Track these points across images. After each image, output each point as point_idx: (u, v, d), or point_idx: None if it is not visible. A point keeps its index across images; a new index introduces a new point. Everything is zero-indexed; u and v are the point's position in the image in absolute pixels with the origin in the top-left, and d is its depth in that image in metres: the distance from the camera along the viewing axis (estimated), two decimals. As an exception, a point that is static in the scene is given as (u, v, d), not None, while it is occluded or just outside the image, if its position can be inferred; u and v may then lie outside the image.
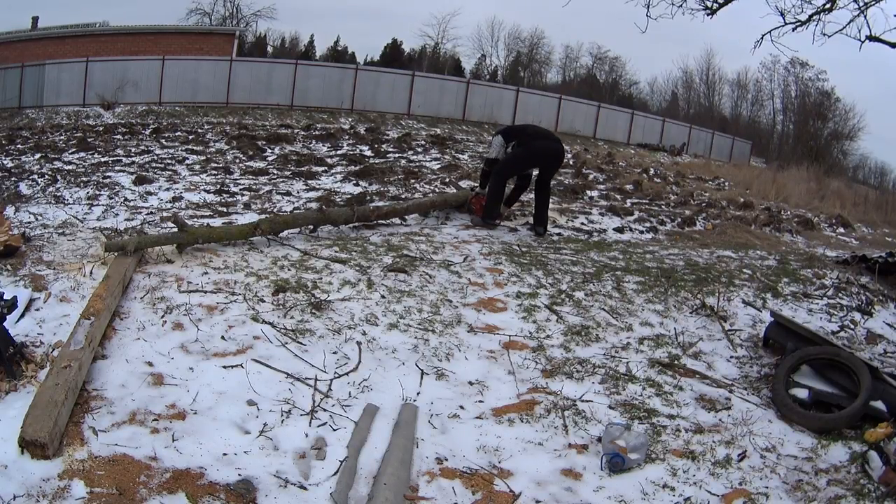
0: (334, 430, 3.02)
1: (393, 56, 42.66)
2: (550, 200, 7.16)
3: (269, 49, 42.22)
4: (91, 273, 4.38)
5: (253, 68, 22.53)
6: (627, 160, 15.78)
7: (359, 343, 3.80)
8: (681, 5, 6.80)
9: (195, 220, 6.21)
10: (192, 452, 2.74)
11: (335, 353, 3.68)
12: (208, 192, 7.90)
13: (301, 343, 3.72)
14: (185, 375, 3.29)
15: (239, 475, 2.65)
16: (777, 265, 6.04)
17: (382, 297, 4.42)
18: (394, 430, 3.08)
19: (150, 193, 7.62)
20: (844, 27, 6.39)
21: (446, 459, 2.96)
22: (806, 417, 3.43)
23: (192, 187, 8.13)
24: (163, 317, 3.85)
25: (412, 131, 18.59)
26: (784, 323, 4.14)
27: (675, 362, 3.97)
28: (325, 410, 3.16)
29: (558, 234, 6.84)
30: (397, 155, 12.44)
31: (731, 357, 4.14)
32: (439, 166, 11.04)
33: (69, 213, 6.26)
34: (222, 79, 21.44)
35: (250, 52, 36.76)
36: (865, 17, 6.23)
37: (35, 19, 23.02)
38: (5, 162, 9.70)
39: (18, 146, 11.68)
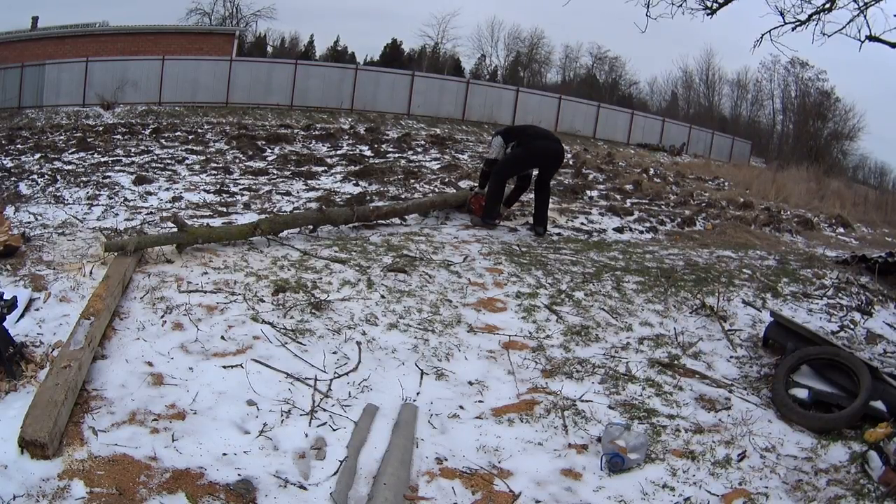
0: (334, 430, 3.02)
1: (393, 56, 42.67)
2: (550, 200, 7.16)
3: (269, 49, 42.24)
4: (91, 273, 4.38)
5: (253, 68, 22.53)
6: (627, 160, 15.78)
7: (358, 343, 3.80)
8: (681, 5, 6.80)
9: (195, 220, 6.21)
10: (192, 452, 2.74)
11: (335, 353, 3.68)
12: (208, 192, 7.90)
13: (301, 343, 3.73)
14: (184, 375, 3.29)
15: (239, 475, 2.65)
16: (777, 265, 6.04)
17: (382, 297, 4.42)
18: (393, 430, 3.08)
19: (149, 193, 7.62)
20: (844, 27, 6.38)
21: (446, 459, 2.96)
22: (806, 417, 3.43)
23: (192, 187, 8.13)
24: (162, 317, 3.85)
25: (412, 131, 18.59)
26: (784, 323, 4.14)
27: (675, 362, 3.97)
28: (324, 410, 3.16)
29: (558, 234, 6.84)
30: (397, 155, 12.44)
31: (731, 357, 4.14)
32: (439, 166, 11.04)
33: (69, 213, 6.26)
34: (222, 79, 21.44)
35: (250, 52, 36.77)
36: (865, 16, 6.23)
37: (35, 19, 23.03)
38: (5, 162, 9.70)
39: (18, 146, 11.68)
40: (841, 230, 9.66)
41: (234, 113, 19.98)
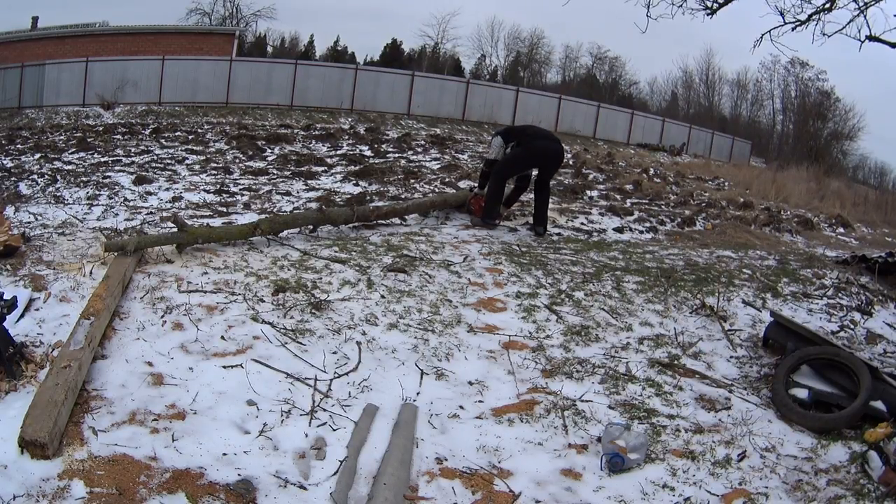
0: (334, 430, 3.03)
1: (393, 56, 42.67)
2: (550, 200, 7.16)
3: (269, 49, 42.25)
4: (91, 273, 4.38)
5: (253, 68, 22.53)
6: (627, 160, 15.78)
7: (358, 343, 3.80)
8: (681, 5, 6.80)
9: (195, 220, 6.21)
10: (192, 452, 2.74)
11: (335, 353, 3.68)
12: (208, 192, 7.90)
13: (301, 343, 3.73)
14: (184, 375, 3.29)
15: (239, 475, 2.65)
16: (777, 265, 6.04)
17: (382, 297, 4.42)
18: (393, 430, 3.08)
19: (149, 193, 7.62)
20: (844, 27, 6.39)
21: (446, 459, 2.96)
22: (806, 417, 3.43)
23: (192, 187, 8.13)
24: (162, 317, 3.85)
25: (412, 131, 18.59)
26: (784, 323, 4.14)
27: (675, 362, 3.97)
28: (324, 410, 3.16)
29: (558, 234, 6.84)
30: (397, 155, 12.44)
31: (731, 357, 4.14)
32: (439, 166, 11.04)
33: (69, 213, 6.26)
34: (222, 79, 21.44)
35: (250, 52, 36.78)
36: (865, 16, 6.23)
37: (35, 19, 23.02)
38: (5, 162, 9.70)
39: (18, 146, 11.68)
40: (841, 230, 9.66)
41: (234, 113, 19.98)
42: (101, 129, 14.98)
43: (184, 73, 21.04)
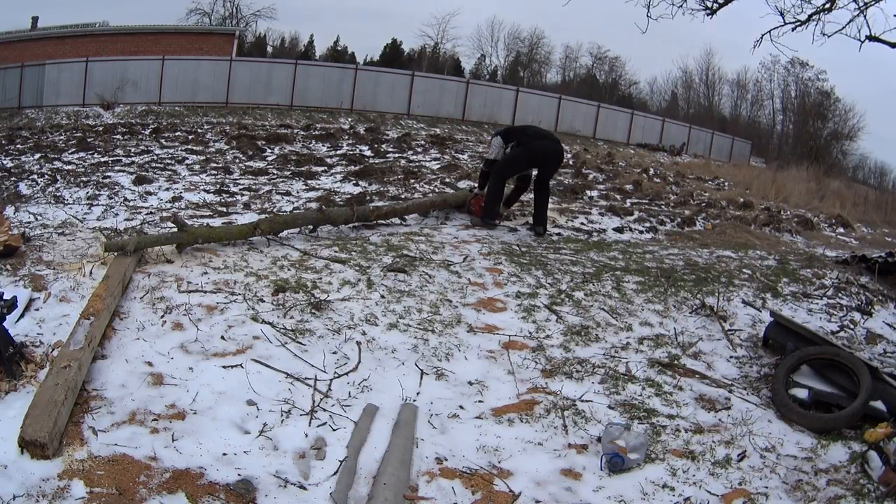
0: (334, 430, 3.03)
1: (393, 56, 42.67)
2: (550, 200, 7.16)
3: (269, 49, 42.25)
4: (91, 273, 4.38)
5: (252, 68, 22.53)
6: (627, 160, 15.78)
7: (358, 343, 3.80)
8: (681, 5, 6.81)
9: (195, 220, 6.21)
10: (192, 452, 2.74)
11: (335, 353, 3.68)
12: (208, 192, 7.90)
13: (301, 343, 3.73)
14: (184, 375, 3.29)
15: (239, 475, 2.65)
16: (777, 265, 6.04)
17: (382, 297, 4.42)
18: (393, 430, 3.08)
19: (149, 193, 7.62)
20: (844, 27, 6.39)
21: (446, 459, 2.96)
22: (806, 417, 3.43)
23: (192, 187, 8.13)
24: (162, 317, 3.85)
25: (412, 131, 18.59)
26: (784, 323, 4.14)
27: (675, 362, 3.97)
28: (324, 410, 3.16)
29: (558, 234, 6.84)
30: (397, 155, 12.44)
31: (731, 357, 4.14)
32: (439, 166, 11.04)
33: (69, 213, 6.26)
34: (222, 79, 21.44)
35: (250, 52, 36.78)
36: (865, 16, 6.24)
37: (35, 19, 23.03)
38: (5, 162, 9.70)
39: (18, 146, 11.68)
40: (841, 230, 9.66)
41: (234, 113, 19.98)
42: (100, 129, 14.98)
43: (184, 73, 21.04)
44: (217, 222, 6.16)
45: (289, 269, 4.72)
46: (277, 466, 2.74)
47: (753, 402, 3.61)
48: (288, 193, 8.06)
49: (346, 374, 3.50)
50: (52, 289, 4.10)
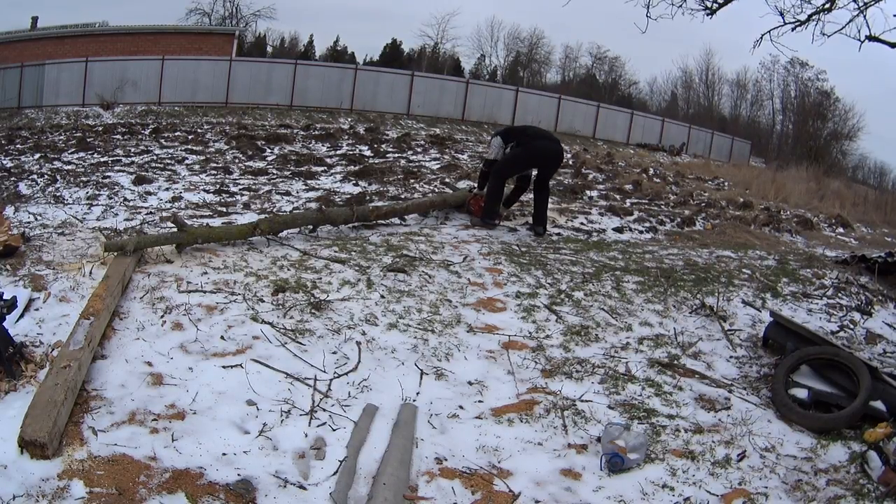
0: (334, 430, 3.03)
1: (392, 56, 42.68)
2: (550, 200, 7.16)
3: (269, 49, 42.25)
4: (90, 273, 4.37)
5: (252, 68, 22.53)
6: (627, 160, 15.78)
7: (358, 343, 3.80)
8: (681, 5, 6.81)
9: (194, 220, 6.21)
10: (192, 452, 2.74)
11: (335, 353, 3.68)
12: (208, 192, 7.90)
13: (300, 343, 3.73)
14: (184, 375, 3.29)
15: (238, 475, 2.65)
16: (776, 265, 6.04)
17: (382, 297, 4.42)
18: (393, 430, 3.08)
19: (149, 193, 7.62)
20: (844, 27, 6.40)
21: (446, 459, 2.96)
22: (805, 417, 3.43)
23: (192, 187, 8.13)
24: (162, 317, 3.85)
25: (412, 131, 18.59)
26: (783, 323, 4.15)
27: (675, 362, 3.97)
28: (324, 410, 3.16)
29: (558, 234, 6.84)
30: (397, 155, 12.44)
31: (731, 357, 4.14)
32: (439, 166, 11.04)
33: (69, 213, 6.26)
34: (222, 79, 21.44)
35: (250, 52, 36.77)
36: (865, 16, 6.24)
37: (34, 19, 23.04)
38: (5, 162, 9.70)
39: (18, 146, 11.68)
40: (840, 230, 9.66)
41: (234, 113, 19.98)
42: (100, 129, 14.98)
43: (183, 73, 21.04)
44: (217, 222, 6.16)
45: (288, 269, 4.72)
46: (277, 466, 2.74)
47: (753, 402, 3.61)
48: (288, 193, 8.06)
49: (346, 374, 3.50)
50: (52, 289, 4.10)
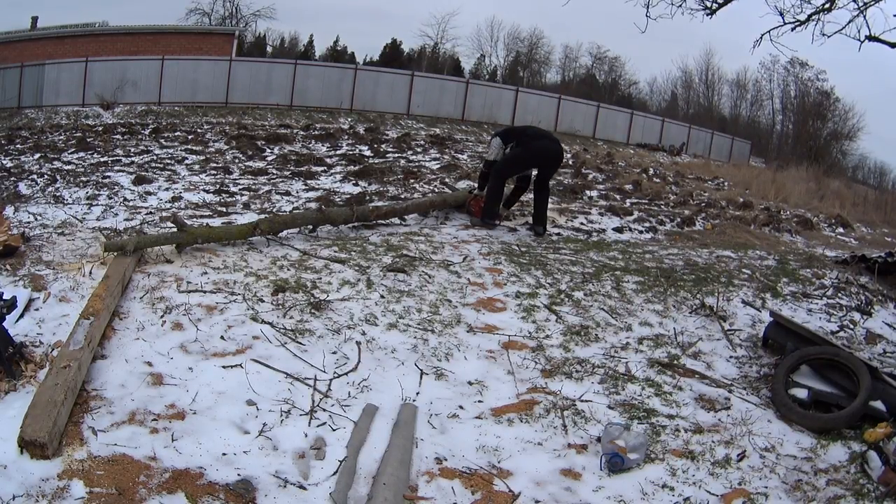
0: (334, 430, 3.03)
1: (392, 56, 42.67)
2: (550, 200, 7.16)
3: (269, 49, 42.24)
4: (90, 273, 4.37)
5: (252, 68, 22.52)
6: (627, 160, 15.78)
7: (358, 343, 3.80)
8: (680, 5, 6.81)
9: (194, 220, 6.21)
10: (192, 452, 2.74)
11: (334, 352, 3.68)
12: (207, 192, 7.90)
13: (300, 343, 3.72)
14: (184, 375, 3.29)
15: (238, 475, 2.65)
16: (776, 265, 6.04)
17: (382, 296, 4.42)
18: (393, 430, 3.08)
19: (149, 193, 7.62)
20: (844, 27, 6.40)
21: (446, 459, 2.96)
22: (805, 417, 3.44)
23: (192, 187, 8.13)
24: (162, 317, 3.85)
25: (411, 131, 18.59)
26: (783, 323, 4.15)
27: (675, 362, 3.97)
28: (324, 410, 3.16)
29: (557, 234, 6.84)
30: (396, 155, 12.44)
31: (731, 357, 4.14)
32: (438, 166, 11.04)
33: (68, 213, 6.26)
34: (221, 79, 21.44)
35: (249, 52, 36.77)
36: (865, 16, 6.24)
37: (34, 19, 23.03)
38: (5, 162, 9.70)
39: (18, 146, 11.68)
40: (840, 230, 9.66)
41: (234, 113, 19.98)
42: (100, 129, 14.98)
43: (183, 73, 21.04)
44: (217, 222, 6.16)
45: (288, 269, 4.72)
46: (277, 466, 2.74)
47: (753, 402, 3.61)
48: (287, 193, 8.06)
49: (346, 374, 3.50)
50: (52, 289, 4.10)
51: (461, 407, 3.38)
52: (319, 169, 10.09)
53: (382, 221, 6.49)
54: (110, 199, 7.19)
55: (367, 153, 12.44)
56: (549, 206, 7.09)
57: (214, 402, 3.10)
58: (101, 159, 10.18)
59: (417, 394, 3.43)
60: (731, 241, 7.29)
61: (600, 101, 30.79)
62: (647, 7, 6.79)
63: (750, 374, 3.96)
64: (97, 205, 6.79)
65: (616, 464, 2.94)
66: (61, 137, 13.04)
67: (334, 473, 2.75)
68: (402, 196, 8.12)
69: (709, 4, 6.87)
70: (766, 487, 2.90)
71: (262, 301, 4.15)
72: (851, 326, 4.72)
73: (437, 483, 2.80)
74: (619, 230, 7.43)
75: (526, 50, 45.38)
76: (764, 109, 40.52)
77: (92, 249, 4.92)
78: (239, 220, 6.28)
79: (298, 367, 3.49)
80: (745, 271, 5.68)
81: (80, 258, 4.70)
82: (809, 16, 6.48)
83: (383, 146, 13.54)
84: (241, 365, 3.41)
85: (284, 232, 5.61)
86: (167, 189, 7.93)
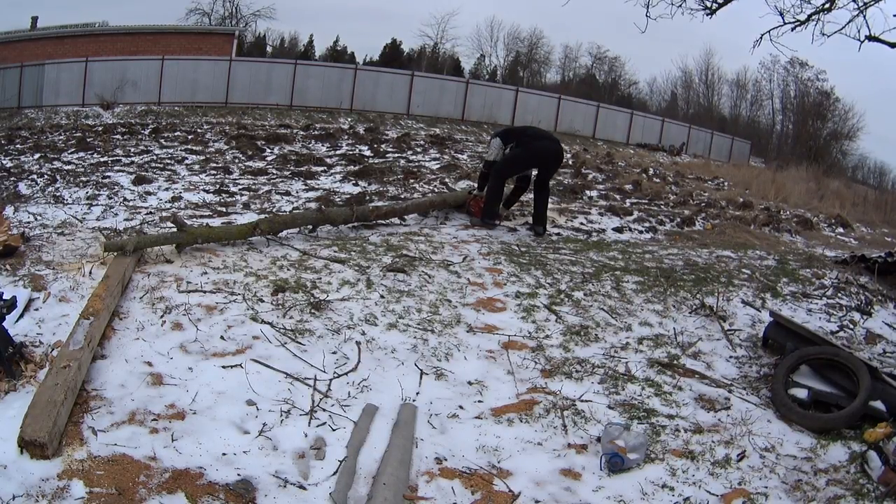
0: (333, 430, 3.03)
1: (392, 56, 42.66)
2: (550, 200, 7.16)
3: (269, 49, 42.23)
4: (90, 273, 4.37)
5: (252, 68, 22.51)
6: (627, 160, 15.78)
7: (358, 343, 3.80)
8: (680, 5, 6.81)
9: (194, 219, 6.21)
10: (192, 452, 2.74)
11: (334, 352, 3.68)
12: (207, 191, 7.90)
13: (300, 343, 3.72)
14: (184, 375, 3.29)
15: (238, 475, 2.65)
16: (776, 265, 6.04)
17: (381, 296, 4.42)
18: (393, 430, 3.08)
19: (149, 193, 7.62)
20: (844, 27, 6.40)
21: (445, 459, 2.96)
22: (805, 417, 3.44)
23: (192, 187, 8.13)
24: (162, 317, 3.85)
25: (411, 131, 18.59)
26: (783, 323, 4.15)
27: (675, 362, 3.97)
28: (324, 410, 3.16)
29: (557, 234, 6.84)
30: (396, 155, 12.44)
31: (731, 357, 4.14)
32: (438, 166, 11.04)
33: (68, 213, 6.25)
34: (221, 79, 21.43)
35: (249, 52, 36.76)
36: (864, 16, 6.25)
37: (34, 19, 23.02)
38: (5, 162, 9.69)
39: (18, 146, 11.68)
40: (840, 230, 9.66)
41: (234, 113, 19.98)
42: (100, 129, 14.97)
43: (183, 73, 21.03)
44: (216, 222, 6.16)
45: (288, 269, 4.72)
46: (277, 466, 2.74)
47: (753, 402, 3.61)
48: (287, 193, 8.06)
49: (346, 374, 3.50)
50: (52, 289, 4.10)
51: (461, 407, 3.38)
52: (319, 169, 10.09)
53: (382, 221, 6.49)
54: (110, 199, 7.19)
55: (367, 153, 12.44)
56: (549, 206, 7.09)
57: (214, 402, 3.10)
58: (101, 159, 10.18)
59: (417, 394, 3.43)
60: (731, 241, 7.29)
61: (600, 101, 30.79)
62: (647, 7, 6.80)
63: (750, 374, 3.96)
64: (97, 205, 6.79)
65: (616, 464, 2.94)
66: (61, 137, 13.04)
67: (334, 473, 2.75)
68: (402, 196, 8.12)
69: (709, 4, 6.87)
70: (766, 487, 2.90)
71: (262, 301, 4.15)
72: (851, 326, 4.73)
73: (437, 483, 2.80)
74: (618, 230, 7.43)
75: (526, 50, 45.41)
76: (764, 109, 40.56)
77: (92, 249, 4.92)
78: (239, 220, 6.28)
79: (298, 367, 3.49)
80: (745, 271, 5.68)
81: (79, 258, 4.70)
82: (809, 16, 6.48)
83: (383, 146, 13.54)
84: (240, 365, 3.41)
85: (284, 232, 5.61)
86: (167, 189, 7.93)
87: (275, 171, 9.69)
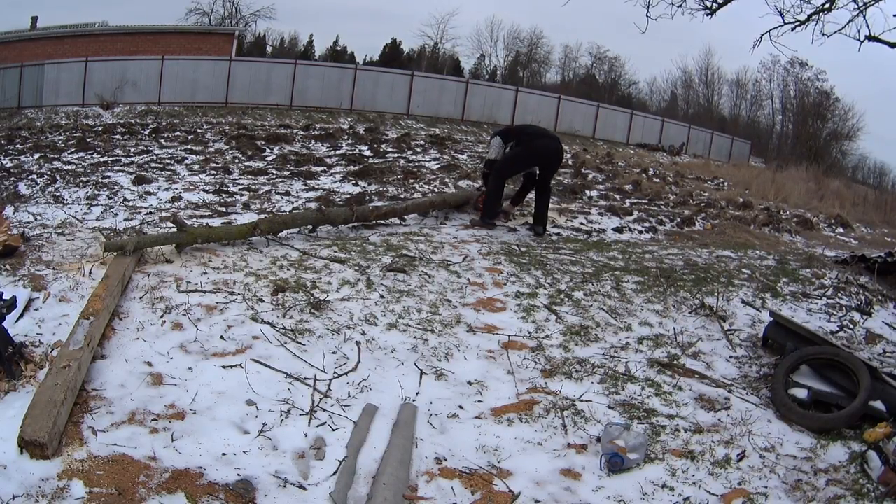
0: (333, 430, 3.02)
1: (392, 56, 42.68)
2: (550, 200, 7.16)
3: (269, 49, 42.25)
4: (90, 273, 4.37)
5: (252, 68, 22.52)
6: (626, 160, 15.78)
7: (358, 343, 3.80)
8: (680, 5, 6.82)
9: (194, 219, 6.21)
10: (192, 452, 2.74)
11: (334, 352, 3.68)
12: (207, 191, 7.89)
13: (300, 343, 3.72)
14: (184, 375, 3.29)
15: (238, 475, 2.65)
16: (776, 265, 6.04)
17: (381, 296, 4.42)
18: (393, 430, 3.08)
19: (149, 193, 7.62)
20: (844, 27, 6.41)
21: (445, 459, 2.96)
22: (805, 417, 3.44)
23: (192, 187, 8.13)
24: (162, 317, 3.85)
25: (411, 131, 18.59)
26: (783, 323, 4.15)
27: (675, 362, 3.97)
28: (324, 410, 3.16)
29: (557, 234, 6.84)
30: (396, 155, 12.44)
31: (731, 357, 4.14)
32: (438, 166, 11.04)
33: (68, 213, 6.25)
34: (221, 79, 21.44)
35: (249, 51, 36.77)
36: (864, 16, 6.25)
37: (34, 19, 23.03)
38: (4, 162, 9.69)
39: (17, 146, 11.67)
40: (840, 230, 9.66)
41: (234, 113, 19.98)
42: (100, 129, 14.97)
43: (183, 73, 21.04)
44: (216, 222, 6.16)
45: (288, 269, 4.72)
46: (277, 466, 2.74)
47: (753, 402, 3.61)
48: (287, 193, 8.06)
49: (346, 373, 3.50)
50: (52, 289, 4.09)
51: (461, 407, 3.38)
52: (319, 169, 10.09)
53: (382, 221, 6.49)
54: (110, 199, 7.19)
55: (367, 153, 12.44)
56: (550, 206, 7.08)
57: (214, 402, 3.10)
58: (101, 159, 10.18)
59: (417, 394, 3.43)
60: (731, 241, 7.29)
61: (600, 101, 30.80)
62: (648, 7, 6.81)
63: (750, 374, 3.96)
64: (97, 205, 6.79)
65: (616, 464, 2.94)
66: (61, 137, 13.03)
67: (334, 473, 2.75)
68: (402, 196, 8.12)
69: (709, 4, 6.87)
70: (766, 487, 2.90)
71: (262, 301, 4.15)
72: (851, 326, 4.73)
73: (437, 483, 2.80)
74: (618, 230, 7.43)
75: (526, 50, 45.42)
76: (764, 109, 40.58)
77: (92, 249, 4.92)
78: (239, 220, 6.28)
79: (298, 367, 3.49)
80: (745, 271, 5.68)
81: (79, 258, 4.70)
82: (809, 16, 6.48)
83: (383, 146, 13.54)
84: (240, 365, 3.41)
85: (284, 232, 5.61)
86: (167, 189, 7.93)
87: (275, 171, 9.69)
